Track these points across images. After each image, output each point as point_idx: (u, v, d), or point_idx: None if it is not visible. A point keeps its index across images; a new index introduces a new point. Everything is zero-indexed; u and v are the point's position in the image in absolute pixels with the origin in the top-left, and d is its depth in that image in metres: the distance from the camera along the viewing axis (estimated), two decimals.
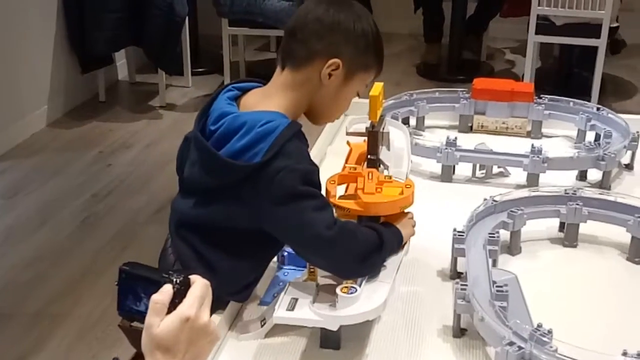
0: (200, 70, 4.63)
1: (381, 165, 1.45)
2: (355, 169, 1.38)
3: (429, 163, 1.96)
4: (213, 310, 1.30)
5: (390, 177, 1.36)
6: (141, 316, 0.83)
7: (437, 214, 1.69)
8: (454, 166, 1.95)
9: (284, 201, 1.20)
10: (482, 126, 2.24)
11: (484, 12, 4.92)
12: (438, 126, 2.28)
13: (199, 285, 0.85)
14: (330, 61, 1.28)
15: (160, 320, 0.81)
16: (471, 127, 2.24)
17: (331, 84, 1.31)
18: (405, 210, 1.38)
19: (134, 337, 0.87)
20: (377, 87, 1.42)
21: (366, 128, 1.45)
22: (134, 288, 0.84)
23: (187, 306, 0.83)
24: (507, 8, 4.59)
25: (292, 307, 1.22)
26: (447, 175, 1.95)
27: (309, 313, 1.20)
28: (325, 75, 1.29)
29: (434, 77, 4.66)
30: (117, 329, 0.93)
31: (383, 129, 1.47)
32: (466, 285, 1.31)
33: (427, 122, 2.25)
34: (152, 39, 3.90)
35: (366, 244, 1.27)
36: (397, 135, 1.58)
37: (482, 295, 1.30)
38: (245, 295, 1.34)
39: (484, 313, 1.24)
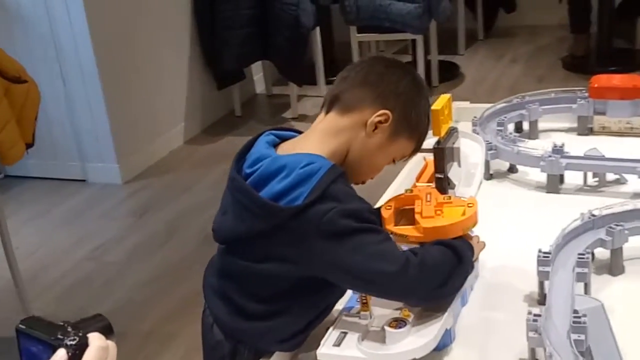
0: (335, 78, 4.60)
1: (450, 184, 1.34)
2: (411, 191, 1.27)
3: (536, 172, 1.80)
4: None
5: (449, 198, 1.24)
6: None
7: (533, 229, 1.54)
8: (562, 175, 1.78)
9: (338, 239, 1.10)
10: (603, 128, 2.03)
11: None
12: (555, 129, 2.10)
13: (93, 350, 0.75)
14: (381, 111, 1.22)
15: None
16: (591, 129, 2.05)
17: (374, 138, 1.23)
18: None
19: None
20: (441, 100, 1.32)
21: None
22: (31, 351, 0.75)
23: None
24: None
25: (339, 342, 1.14)
26: (553, 185, 1.77)
27: (354, 350, 1.12)
28: (371, 124, 1.22)
29: (581, 70, 4.36)
30: None
31: (454, 143, 1.37)
32: (539, 315, 1.17)
33: (542, 126, 2.07)
34: (280, 52, 3.94)
35: (441, 267, 1.15)
36: (473, 149, 1.46)
37: (559, 326, 1.15)
38: (293, 343, 1.23)
39: (553, 348, 1.10)
